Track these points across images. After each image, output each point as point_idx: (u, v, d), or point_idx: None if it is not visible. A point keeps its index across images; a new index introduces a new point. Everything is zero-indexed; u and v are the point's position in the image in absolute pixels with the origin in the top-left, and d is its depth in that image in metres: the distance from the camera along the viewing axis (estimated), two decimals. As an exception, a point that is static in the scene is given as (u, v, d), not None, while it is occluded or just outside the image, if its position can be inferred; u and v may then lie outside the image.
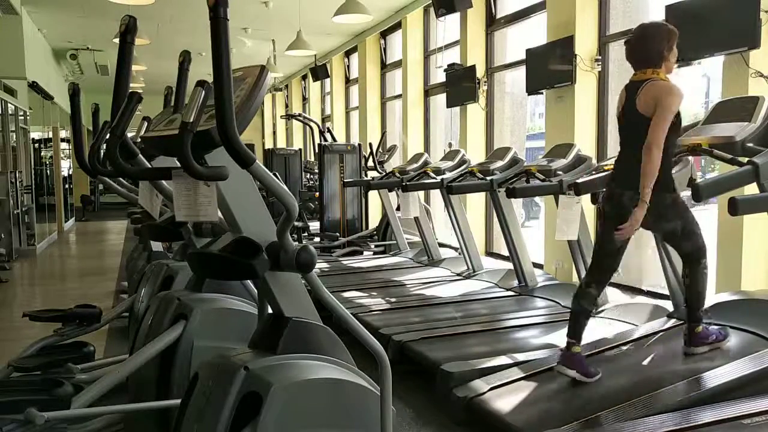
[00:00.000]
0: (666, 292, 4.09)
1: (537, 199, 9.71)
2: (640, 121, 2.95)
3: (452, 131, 8.76)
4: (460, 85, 7.77)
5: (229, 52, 1.60)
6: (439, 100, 8.95)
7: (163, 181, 2.48)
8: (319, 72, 11.82)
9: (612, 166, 3.36)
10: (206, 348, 2.34)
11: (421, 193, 7.41)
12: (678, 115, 2.96)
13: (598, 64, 5.76)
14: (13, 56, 8.66)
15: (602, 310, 4.30)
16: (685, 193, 3.19)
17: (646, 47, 3.00)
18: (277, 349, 1.86)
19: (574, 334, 3.16)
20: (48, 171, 12.72)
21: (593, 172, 4.11)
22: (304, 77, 15.12)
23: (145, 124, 2.32)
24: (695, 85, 7.04)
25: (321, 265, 6.69)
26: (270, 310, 2.02)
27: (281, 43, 9.72)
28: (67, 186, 14.17)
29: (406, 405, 3.41)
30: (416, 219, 6.48)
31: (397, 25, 9.70)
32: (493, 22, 7.64)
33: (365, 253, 7.94)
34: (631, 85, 3.07)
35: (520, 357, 3.52)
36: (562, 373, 3.12)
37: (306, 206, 9.79)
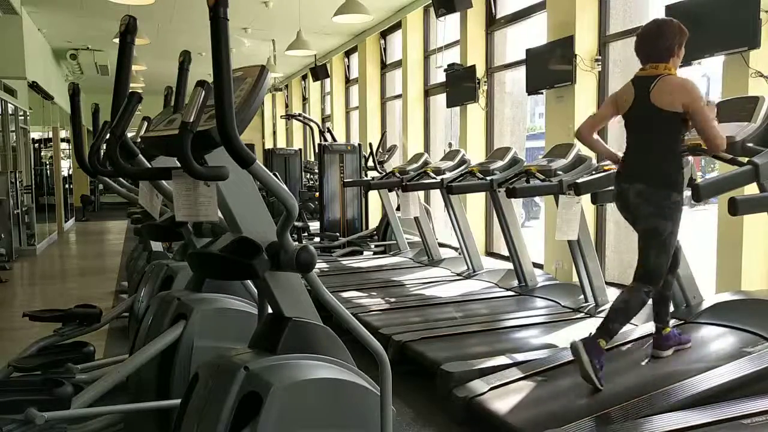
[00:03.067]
0: (666, 292, 4.08)
1: (537, 199, 9.72)
2: (654, 115, 2.95)
3: (452, 131, 8.76)
4: (460, 85, 7.77)
5: (229, 52, 1.60)
6: (439, 100, 8.95)
7: (163, 181, 2.48)
8: (319, 72, 11.82)
9: (612, 166, 3.35)
10: (206, 348, 2.34)
11: (421, 193, 7.41)
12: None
13: (598, 64, 5.75)
14: (13, 56, 8.66)
15: (602, 310, 4.30)
16: (685, 193, 3.19)
17: (658, 42, 3.01)
18: (277, 349, 1.86)
19: (659, 318, 3.31)
20: (48, 171, 12.72)
21: (593, 172, 4.12)
22: (304, 77, 15.12)
23: (145, 124, 2.32)
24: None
25: (321, 265, 6.69)
26: (270, 310, 2.02)
27: (281, 43, 9.72)
28: (67, 186, 14.17)
29: (406, 405, 3.41)
30: (416, 219, 6.47)
31: (397, 25, 9.70)
32: (493, 22, 7.64)
33: (365, 253, 7.93)
34: (641, 80, 3.06)
35: (520, 357, 3.52)
36: (659, 356, 3.26)
37: (306, 206, 9.79)
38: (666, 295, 3.34)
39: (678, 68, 3.07)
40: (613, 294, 4.89)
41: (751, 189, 3.03)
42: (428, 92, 9.32)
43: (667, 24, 3.05)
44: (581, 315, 4.38)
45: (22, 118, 10.23)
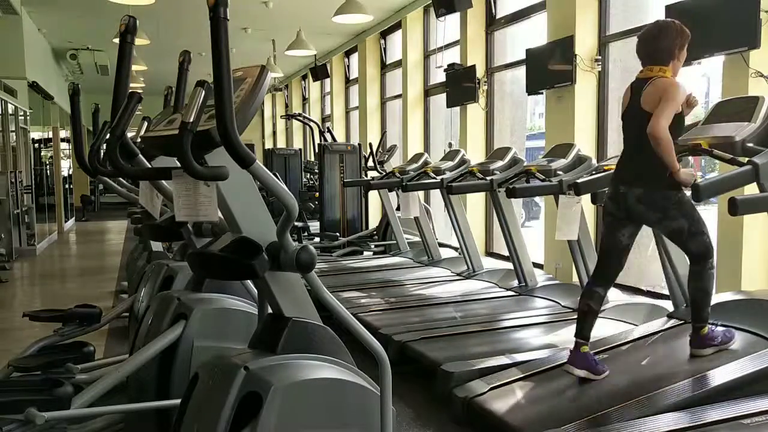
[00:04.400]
0: (666, 292, 4.08)
1: (537, 199, 9.72)
2: (643, 117, 2.94)
3: (452, 131, 8.76)
4: (460, 85, 7.77)
5: (229, 52, 1.60)
6: (439, 100, 8.94)
7: (163, 181, 2.48)
8: (319, 72, 11.82)
9: (612, 166, 3.35)
10: (206, 348, 2.34)
11: (421, 193, 7.40)
12: (680, 115, 2.97)
13: (598, 64, 5.75)
14: (13, 56, 8.67)
15: (602, 310, 4.29)
16: (685, 193, 3.18)
17: (658, 44, 3.00)
18: (276, 349, 1.87)
19: (582, 333, 3.12)
20: (48, 171, 12.72)
21: (593, 172, 4.12)
22: (304, 77, 15.12)
23: (145, 124, 2.33)
24: (695, 85, 7.04)
25: (321, 265, 6.68)
26: (270, 310, 2.02)
27: (281, 43, 9.72)
28: (67, 186, 14.16)
29: (406, 405, 3.41)
30: (416, 219, 6.48)
31: (397, 25, 9.70)
32: (493, 22, 7.64)
33: (365, 253, 7.93)
34: (636, 82, 3.07)
35: (520, 357, 3.52)
36: (570, 372, 3.07)
37: (306, 206, 9.78)
38: (594, 310, 3.14)
39: (678, 71, 3.05)
40: (613, 295, 4.90)
41: (751, 189, 3.03)
42: (428, 92, 9.32)
43: (668, 25, 3.03)
44: (581, 315, 4.37)
45: (22, 118, 10.22)
